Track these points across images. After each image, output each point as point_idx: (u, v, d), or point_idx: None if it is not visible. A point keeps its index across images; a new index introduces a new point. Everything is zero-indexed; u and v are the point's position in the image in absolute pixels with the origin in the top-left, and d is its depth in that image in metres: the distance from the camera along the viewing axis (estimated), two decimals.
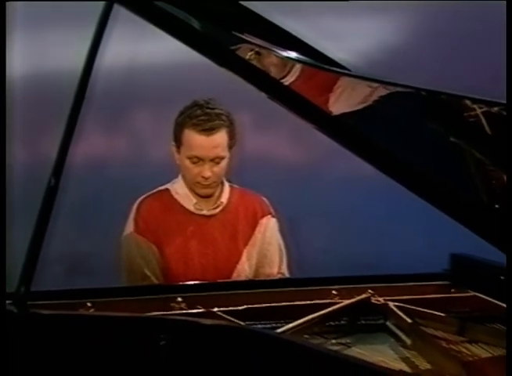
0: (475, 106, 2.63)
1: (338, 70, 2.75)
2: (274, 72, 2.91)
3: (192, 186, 3.40)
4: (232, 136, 3.37)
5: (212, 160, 3.33)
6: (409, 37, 5.31)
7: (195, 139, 3.32)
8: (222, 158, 3.35)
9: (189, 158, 3.34)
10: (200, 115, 3.32)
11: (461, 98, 2.56)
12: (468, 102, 2.60)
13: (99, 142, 5.21)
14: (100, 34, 2.72)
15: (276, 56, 2.72)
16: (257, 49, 2.76)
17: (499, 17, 5.32)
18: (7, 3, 2.86)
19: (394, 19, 5.25)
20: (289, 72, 2.86)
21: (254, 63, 2.86)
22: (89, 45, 2.73)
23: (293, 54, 2.66)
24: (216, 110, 3.33)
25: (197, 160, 3.33)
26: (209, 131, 3.30)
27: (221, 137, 3.33)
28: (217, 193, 3.47)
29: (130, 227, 3.44)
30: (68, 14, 4.69)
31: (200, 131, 3.30)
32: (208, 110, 3.33)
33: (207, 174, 3.34)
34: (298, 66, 2.78)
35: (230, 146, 3.38)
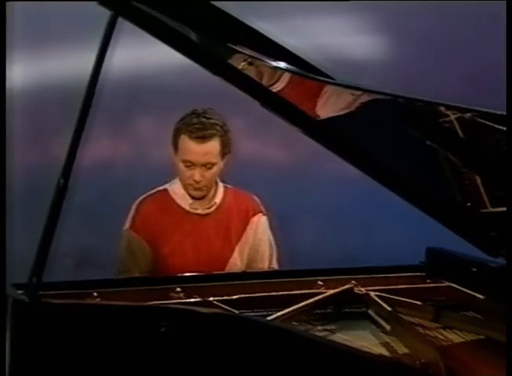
0: (449, 112, 2.63)
1: (323, 78, 2.74)
2: (265, 81, 2.92)
3: (185, 187, 3.41)
4: (225, 145, 3.36)
5: (203, 165, 3.33)
6: (378, 34, 5.31)
7: (188, 145, 3.32)
8: (213, 164, 3.34)
9: (183, 162, 3.34)
10: (195, 123, 3.31)
11: (436, 105, 2.55)
12: (443, 108, 2.60)
13: (106, 146, 5.20)
14: (106, 44, 2.71)
15: (267, 66, 2.70)
16: (249, 60, 2.75)
17: (481, 21, 5.34)
18: (7, 3, 2.83)
19: (365, 18, 5.24)
20: (278, 80, 2.86)
21: (247, 72, 2.87)
22: (96, 56, 2.72)
23: (282, 64, 2.65)
24: (211, 120, 3.32)
25: (190, 164, 3.33)
26: (202, 138, 3.30)
27: (213, 145, 3.32)
28: (211, 194, 3.46)
29: (127, 224, 3.44)
30: (69, 24, 4.69)
31: (193, 138, 3.30)
32: (204, 119, 3.32)
33: (198, 178, 3.33)
34: (287, 75, 2.78)
35: (223, 154, 3.37)
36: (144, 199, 3.49)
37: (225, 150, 3.36)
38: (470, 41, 5.44)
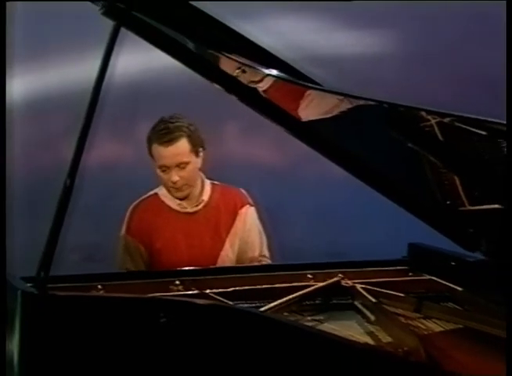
0: (430, 117, 2.63)
1: (309, 84, 2.74)
2: (257, 87, 2.91)
3: (168, 191, 3.41)
4: (194, 143, 3.36)
5: (177, 166, 3.33)
6: (351, 33, 5.31)
7: (159, 151, 3.33)
8: (186, 163, 3.34)
9: (159, 167, 3.36)
10: (161, 129, 3.33)
11: (417, 109, 2.55)
12: (424, 113, 2.59)
13: (110, 150, 5.23)
14: (109, 52, 2.69)
15: (259, 73, 2.70)
16: (243, 68, 2.75)
17: (464, 25, 5.34)
18: (7, 3, 2.81)
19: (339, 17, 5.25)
20: (269, 86, 2.87)
21: (241, 79, 2.86)
22: (100, 64, 2.71)
23: (274, 71, 2.65)
24: (176, 123, 3.33)
25: (165, 168, 3.34)
26: (169, 142, 3.31)
27: (181, 146, 3.33)
28: (198, 192, 3.46)
29: (123, 229, 3.46)
30: (70, 35, 4.69)
31: (162, 143, 3.32)
32: (169, 124, 3.33)
33: (175, 178, 3.34)
34: (277, 81, 2.77)
35: (195, 152, 3.37)
36: (137, 204, 3.50)
37: (196, 147, 3.36)
38: (452, 45, 5.46)
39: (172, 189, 3.37)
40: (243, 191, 3.57)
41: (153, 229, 3.43)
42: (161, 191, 3.47)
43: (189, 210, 3.45)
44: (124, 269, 3.39)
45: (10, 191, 4.98)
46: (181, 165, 3.33)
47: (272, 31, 4.57)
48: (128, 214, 3.48)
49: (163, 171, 3.34)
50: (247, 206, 3.53)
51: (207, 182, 3.50)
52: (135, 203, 3.50)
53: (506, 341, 2.33)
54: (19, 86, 4.57)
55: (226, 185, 3.56)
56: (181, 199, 3.41)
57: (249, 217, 3.53)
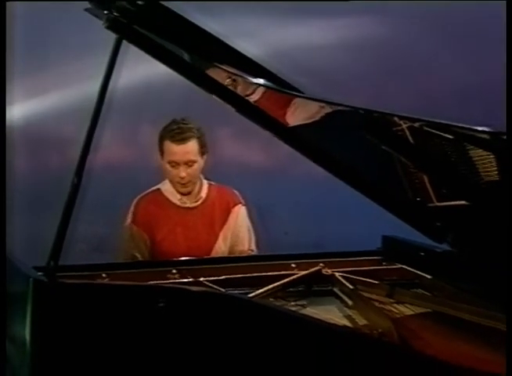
0: (401, 122, 2.61)
1: (294, 93, 2.73)
2: (245, 94, 2.90)
3: (173, 185, 3.40)
4: (202, 145, 3.38)
5: (185, 163, 3.34)
6: (322, 32, 5.30)
7: (171, 148, 3.34)
8: (194, 162, 3.35)
9: (169, 163, 3.36)
10: (174, 129, 3.35)
11: (390, 115, 2.54)
12: (396, 118, 2.58)
13: (115, 152, 5.25)
14: (112, 63, 2.67)
15: (247, 82, 2.67)
16: (233, 77, 2.73)
17: (437, 34, 5.32)
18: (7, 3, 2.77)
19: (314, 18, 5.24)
20: (256, 94, 2.85)
21: (231, 88, 2.85)
22: (104, 74, 2.68)
23: (261, 80, 2.63)
24: (188, 125, 3.37)
25: (174, 164, 3.34)
26: (181, 141, 3.33)
27: (191, 145, 3.34)
28: (197, 190, 3.46)
29: (128, 219, 3.43)
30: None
31: (174, 141, 3.33)
32: (182, 125, 3.36)
33: (183, 174, 3.34)
34: (264, 89, 2.76)
35: (202, 153, 3.39)
36: (141, 198, 3.49)
37: (203, 149, 3.38)
38: (426, 55, 5.46)
39: (178, 184, 3.37)
40: (236, 192, 3.57)
41: (156, 221, 3.42)
42: (164, 187, 3.46)
43: (189, 205, 3.44)
44: (130, 255, 3.37)
45: (24, 189, 4.99)
46: (189, 163, 3.34)
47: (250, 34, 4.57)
48: (133, 206, 3.47)
49: (172, 166, 3.35)
50: (239, 205, 3.53)
51: (205, 182, 3.51)
52: (139, 196, 3.50)
53: (506, 340, 2.27)
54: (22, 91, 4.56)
55: (222, 185, 3.54)
56: (184, 194, 3.39)
57: (240, 215, 3.53)
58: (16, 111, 4.89)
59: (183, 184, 3.37)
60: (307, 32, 5.20)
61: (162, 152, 3.36)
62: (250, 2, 4.73)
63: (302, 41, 5.19)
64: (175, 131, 3.32)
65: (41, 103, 5.03)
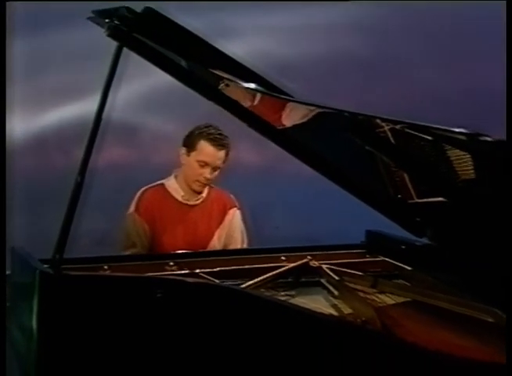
0: (384, 124, 2.61)
1: (285, 97, 2.71)
2: (238, 98, 2.89)
3: (192, 183, 3.37)
4: (227, 156, 3.37)
5: (213, 167, 3.31)
6: (302, 33, 5.30)
7: (208, 149, 3.31)
8: (219, 168, 3.36)
9: (198, 161, 3.31)
10: (215, 134, 3.33)
11: (373, 117, 2.53)
12: (379, 121, 2.57)
13: (117, 153, 5.28)
14: (113, 69, 2.66)
15: (239, 87, 2.66)
16: (226, 82, 2.72)
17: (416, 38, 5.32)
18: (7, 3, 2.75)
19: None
20: (248, 98, 2.85)
21: (225, 92, 2.84)
22: (105, 80, 2.67)
23: (252, 85, 2.62)
24: (224, 135, 3.36)
25: (204, 164, 3.31)
26: (220, 146, 3.33)
27: (224, 153, 3.35)
28: None
29: (132, 208, 3.41)
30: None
31: (214, 145, 3.31)
32: (221, 133, 3.33)
33: (208, 176, 3.34)
34: (255, 93, 2.75)
35: (223, 162, 3.36)
36: (146, 190, 3.46)
37: (226, 159, 3.38)
38: (407, 59, 5.47)
39: (197, 182, 3.35)
40: (232, 196, 3.55)
41: (157, 213, 3.40)
42: (168, 182, 3.45)
43: (190, 203, 3.43)
44: (131, 242, 3.35)
45: (32, 188, 4.98)
46: (216, 168, 3.34)
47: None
48: (137, 196, 3.45)
49: (201, 165, 3.32)
50: (235, 208, 3.53)
51: None
52: (144, 188, 3.48)
53: (506, 339, 2.26)
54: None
55: (220, 189, 3.53)
56: (197, 192, 3.37)
57: (235, 217, 3.52)
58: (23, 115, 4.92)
59: (203, 184, 3.36)
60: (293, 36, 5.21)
61: (192, 149, 3.33)
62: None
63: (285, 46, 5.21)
64: (217, 136, 3.31)
65: (45, 104, 5.04)
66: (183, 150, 3.36)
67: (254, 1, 4.93)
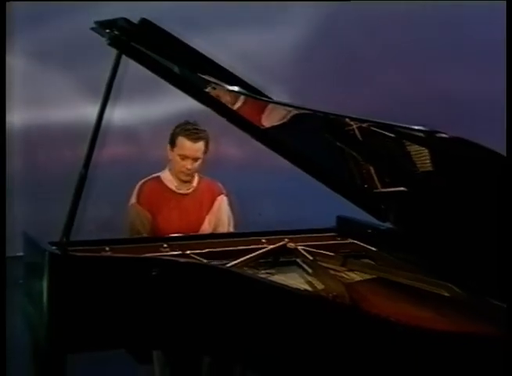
0: (352, 122, 2.59)
1: (264, 98, 2.70)
2: (224, 100, 2.87)
3: (177, 174, 3.34)
4: (207, 146, 3.32)
5: (193, 158, 3.28)
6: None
7: (185, 143, 3.27)
8: (199, 158, 3.30)
9: (179, 155, 3.29)
10: (191, 129, 3.29)
11: (343, 117, 2.51)
12: (347, 119, 2.56)
13: (119, 149, 5.26)
14: (114, 74, 2.64)
15: (224, 89, 2.64)
16: (213, 85, 2.70)
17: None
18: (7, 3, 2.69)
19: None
20: (232, 99, 2.83)
21: (212, 94, 2.82)
22: (106, 84, 2.64)
23: (235, 88, 2.60)
24: (200, 128, 3.31)
25: (184, 157, 3.28)
26: (196, 139, 3.27)
27: (201, 145, 3.29)
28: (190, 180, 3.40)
29: (133, 199, 3.37)
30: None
31: (189, 139, 3.26)
32: (197, 127, 3.30)
33: (189, 166, 3.29)
34: (239, 96, 2.73)
35: (205, 152, 3.33)
36: (144, 182, 3.42)
37: (206, 149, 3.33)
38: (373, 66, 5.47)
39: (182, 173, 3.31)
40: (220, 184, 3.52)
41: (156, 203, 3.35)
42: (163, 175, 3.41)
43: (183, 192, 3.39)
44: (136, 230, 3.32)
45: (43, 180, 4.94)
46: (196, 159, 3.29)
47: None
48: (136, 189, 3.40)
49: (182, 158, 3.29)
50: (222, 195, 3.49)
51: (196, 175, 3.45)
52: (142, 181, 3.43)
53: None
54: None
55: (209, 178, 3.50)
56: (184, 182, 3.34)
57: (223, 203, 3.48)
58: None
59: (187, 174, 3.33)
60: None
61: (174, 145, 3.31)
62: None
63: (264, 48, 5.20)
64: (192, 131, 3.27)
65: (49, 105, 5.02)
66: (168, 147, 3.34)
67: (250, 1, 4.91)
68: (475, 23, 5.54)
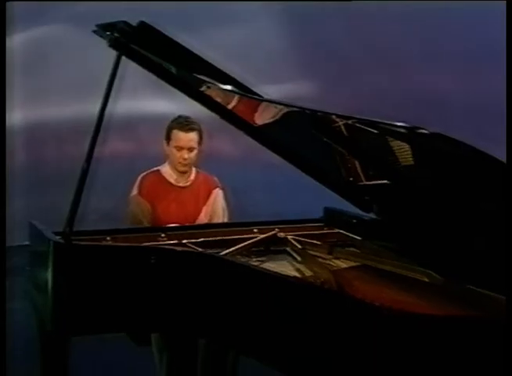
0: (338, 119, 2.58)
1: (256, 96, 2.69)
2: (218, 98, 2.86)
3: (176, 166, 3.32)
4: (200, 136, 3.31)
5: (188, 149, 3.27)
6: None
7: (179, 135, 3.26)
8: (194, 148, 3.29)
9: (175, 147, 3.28)
10: (183, 121, 3.28)
11: (329, 114, 2.50)
12: (334, 116, 2.54)
13: (120, 145, 5.25)
14: (114, 75, 2.62)
15: (218, 88, 2.62)
16: (208, 85, 2.69)
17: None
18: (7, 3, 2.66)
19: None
20: (227, 98, 2.82)
21: (207, 93, 2.80)
22: (106, 84, 2.63)
23: (228, 87, 2.58)
24: (191, 120, 3.28)
25: (180, 148, 3.27)
26: (188, 130, 3.26)
27: (194, 135, 3.27)
28: (188, 174, 3.38)
29: (135, 191, 3.35)
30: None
31: (183, 130, 3.26)
32: (189, 119, 3.29)
33: (186, 156, 3.27)
34: (232, 94, 2.72)
35: (199, 143, 3.32)
36: (145, 175, 3.40)
37: (200, 140, 3.31)
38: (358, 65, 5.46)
39: (180, 164, 3.29)
40: (215, 178, 3.50)
41: (155, 195, 3.33)
42: (163, 169, 3.39)
43: (181, 184, 3.37)
44: (138, 219, 3.30)
45: (50, 174, 4.91)
46: (191, 149, 3.27)
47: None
48: (138, 181, 3.38)
49: (178, 150, 3.27)
50: (218, 188, 3.47)
51: (193, 169, 3.43)
52: (143, 174, 3.41)
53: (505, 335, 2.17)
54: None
55: (205, 172, 3.48)
56: (182, 172, 3.32)
57: (218, 196, 3.46)
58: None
59: (184, 164, 3.31)
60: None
61: (169, 139, 3.29)
62: None
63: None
64: (184, 123, 3.27)
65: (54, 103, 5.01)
66: (164, 143, 3.33)
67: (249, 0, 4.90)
68: (468, 22, 5.48)
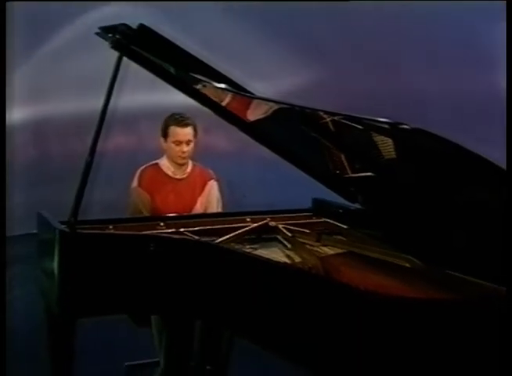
0: (325, 116, 2.57)
1: (248, 94, 2.67)
2: (213, 96, 2.85)
3: (175, 159, 3.30)
4: (195, 131, 3.29)
5: (186, 142, 3.25)
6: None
7: (176, 130, 3.24)
8: (191, 141, 3.27)
9: (173, 142, 3.25)
10: (178, 118, 3.26)
11: (317, 110, 2.49)
12: (321, 113, 2.53)
13: (122, 140, 5.24)
14: (115, 75, 2.60)
15: (214, 87, 2.61)
16: (204, 83, 2.67)
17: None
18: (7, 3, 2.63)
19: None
20: (222, 96, 2.80)
21: (203, 91, 2.79)
22: (108, 84, 2.61)
23: (223, 85, 2.57)
24: (186, 116, 3.26)
25: (178, 142, 3.24)
26: (183, 125, 3.24)
27: (190, 129, 3.25)
28: (185, 167, 3.37)
29: (135, 183, 3.33)
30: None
31: (179, 125, 3.23)
32: (183, 115, 3.27)
33: (184, 149, 3.25)
34: (227, 92, 2.70)
35: (195, 136, 3.30)
36: (144, 168, 3.38)
37: (196, 133, 3.29)
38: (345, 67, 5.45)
39: (179, 157, 3.27)
40: (211, 170, 3.48)
41: (154, 186, 3.31)
42: (161, 162, 3.37)
43: (178, 177, 3.35)
44: (138, 210, 3.28)
45: (55, 167, 4.87)
46: (188, 142, 3.25)
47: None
48: (138, 173, 3.36)
49: (177, 144, 3.25)
50: (213, 180, 3.45)
51: (190, 162, 3.42)
52: (142, 167, 3.39)
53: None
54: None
55: (201, 165, 3.47)
56: (181, 165, 3.30)
57: (213, 187, 3.44)
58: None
59: (183, 157, 3.29)
60: None
61: (167, 136, 3.27)
62: None
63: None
64: (179, 119, 3.25)
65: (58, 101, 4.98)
66: (162, 140, 3.31)
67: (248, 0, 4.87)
68: (462, 23, 5.44)
